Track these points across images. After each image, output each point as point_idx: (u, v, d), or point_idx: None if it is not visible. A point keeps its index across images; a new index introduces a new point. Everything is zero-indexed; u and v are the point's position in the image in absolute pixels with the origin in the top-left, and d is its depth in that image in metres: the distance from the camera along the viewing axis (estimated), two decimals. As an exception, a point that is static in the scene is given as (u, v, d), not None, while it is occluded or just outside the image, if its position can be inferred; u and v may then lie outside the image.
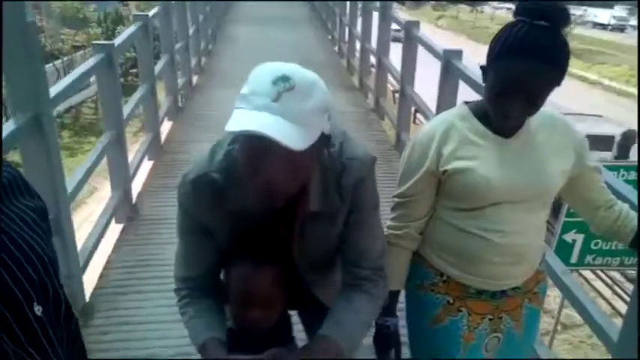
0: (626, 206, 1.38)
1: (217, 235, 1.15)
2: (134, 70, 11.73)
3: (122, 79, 12.26)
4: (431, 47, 3.74)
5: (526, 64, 1.10)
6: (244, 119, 0.89)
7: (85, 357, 0.85)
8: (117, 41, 3.45)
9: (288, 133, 0.88)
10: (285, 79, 0.91)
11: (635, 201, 1.53)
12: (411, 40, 4.28)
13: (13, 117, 2.10)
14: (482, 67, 1.21)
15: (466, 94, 2.17)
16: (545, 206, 1.31)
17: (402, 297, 1.47)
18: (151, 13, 4.57)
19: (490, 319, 1.38)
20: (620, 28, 31.16)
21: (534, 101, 1.14)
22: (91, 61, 2.98)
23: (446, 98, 3.31)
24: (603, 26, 32.51)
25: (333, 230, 1.15)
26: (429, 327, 1.40)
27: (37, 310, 0.70)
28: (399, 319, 1.43)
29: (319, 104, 0.94)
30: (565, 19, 1.11)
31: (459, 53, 3.29)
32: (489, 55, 1.18)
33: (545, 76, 1.12)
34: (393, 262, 1.34)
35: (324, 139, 0.99)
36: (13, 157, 4.51)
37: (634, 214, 1.37)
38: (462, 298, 1.36)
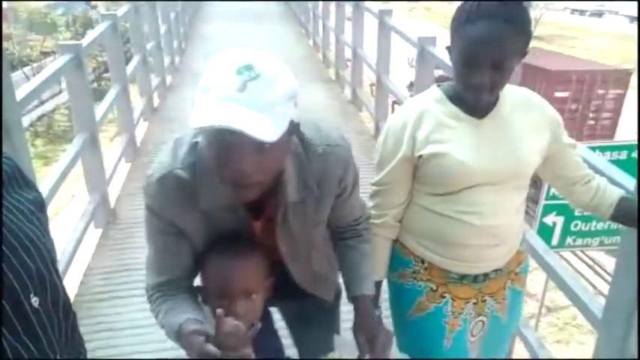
0: (603, 180, 1.38)
1: (191, 235, 1.11)
2: (107, 75, 11.51)
3: (95, 84, 12.06)
4: (405, 35, 3.73)
5: (486, 26, 1.09)
6: (210, 112, 0.86)
7: (83, 349, 0.86)
8: (85, 41, 3.36)
9: (257, 125, 0.85)
10: (249, 67, 0.88)
11: (630, 187, 1.49)
12: (385, 28, 4.26)
13: None
14: (447, 48, 1.21)
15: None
16: (522, 186, 1.30)
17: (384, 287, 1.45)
18: (119, 12, 4.46)
19: (474, 304, 1.37)
20: (599, 14, 31.46)
21: (500, 67, 1.11)
22: (58, 62, 2.89)
23: (422, 84, 3.31)
24: (581, 12, 32.83)
25: (319, 215, 1.16)
26: (413, 315, 1.38)
27: (34, 301, 0.70)
28: (382, 310, 1.40)
29: (286, 91, 0.91)
30: None
31: (432, 40, 3.30)
32: (451, 32, 1.18)
33: (507, 38, 1.10)
34: (375, 251, 1.33)
35: (293, 127, 0.97)
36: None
37: (612, 188, 1.37)
38: (444, 284, 1.34)
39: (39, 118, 16.01)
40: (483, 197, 1.25)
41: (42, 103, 17.47)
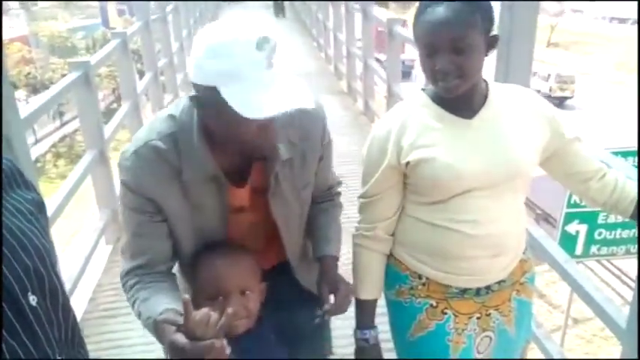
0: (621, 174, 1.29)
1: (169, 211, 1.08)
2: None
3: (115, 104, 12.18)
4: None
5: (439, 9, 1.07)
6: (258, 101, 0.91)
7: (83, 350, 0.85)
8: (93, 59, 3.39)
9: (302, 97, 0.95)
10: (265, 40, 0.91)
11: None
12: (394, 38, 4.23)
13: None
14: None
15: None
16: (518, 189, 1.23)
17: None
18: (129, 30, 4.51)
19: (478, 318, 1.29)
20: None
21: (461, 47, 1.07)
22: (67, 79, 2.92)
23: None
24: (621, 20, 31.51)
25: (306, 175, 1.19)
26: (414, 335, 1.30)
27: (32, 299, 0.70)
28: (378, 330, 1.34)
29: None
30: None
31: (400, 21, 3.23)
32: (413, 32, 1.15)
33: (461, 17, 1.06)
34: (367, 267, 1.30)
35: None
36: None
37: (632, 183, 1.27)
38: (444, 300, 1.27)
39: (61, 139, 16.36)
40: (476, 203, 1.17)
41: (63, 124, 17.87)
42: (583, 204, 4.89)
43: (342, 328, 1.37)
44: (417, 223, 1.24)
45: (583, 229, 4.97)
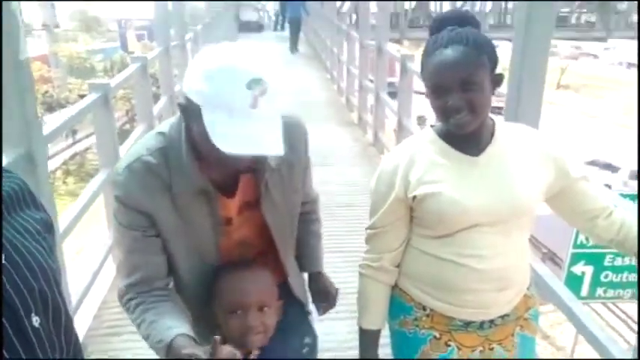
0: (628, 213, 1.32)
1: (161, 225, 1.10)
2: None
3: (128, 125, 12.39)
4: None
5: (447, 51, 1.13)
6: (233, 137, 0.94)
7: None
8: (113, 81, 3.50)
9: (273, 144, 0.96)
10: (257, 81, 0.93)
11: None
12: (406, 72, 4.33)
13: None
14: (426, 94, 1.21)
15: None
16: (524, 225, 1.26)
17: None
18: (150, 55, 4.66)
19: (481, 351, 1.30)
20: None
21: (469, 85, 1.12)
22: (87, 100, 3.01)
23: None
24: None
25: (293, 182, 1.24)
26: None
27: (35, 320, 0.70)
28: None
29: (283, 97, 0.99)
30: (472, 21, 1.18)
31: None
32: (421, 72, 1.22)
33: (468, 56, 1.13)
34: (372, 298, 1.32)
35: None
36: None
37: (634, 220, 1.30)
38: (448, 332, 1.28)
39: (72, 157, 16.55)
40: (482, 239, 1.20)
41: (75, 142, 18.12)
42: (590, 244, 4.86)
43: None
44: (423, 256, 1.26)
45: (589, 270, 4.92)
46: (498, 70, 1.19)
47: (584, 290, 4.84)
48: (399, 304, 1.33)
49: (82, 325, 2.68)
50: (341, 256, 2.89)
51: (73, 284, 2.64)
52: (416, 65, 4.36)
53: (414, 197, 1.21)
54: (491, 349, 1.30)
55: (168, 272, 1.17)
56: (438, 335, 1.29)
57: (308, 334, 1.38)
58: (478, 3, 16.37)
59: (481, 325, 1.28)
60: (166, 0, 5.47)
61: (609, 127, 22.65)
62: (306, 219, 1.42)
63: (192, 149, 1.07)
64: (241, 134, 0.93)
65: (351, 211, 3.94)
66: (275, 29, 18.56)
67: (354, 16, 14.53)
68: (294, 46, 12.51)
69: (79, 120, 2.95)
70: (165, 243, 1.13)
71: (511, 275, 1.24)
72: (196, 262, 1.19)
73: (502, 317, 1.28)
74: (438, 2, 17.31)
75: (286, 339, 1.28)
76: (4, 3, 1.90)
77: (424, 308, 1.29)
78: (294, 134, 1.18)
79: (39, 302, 0.70)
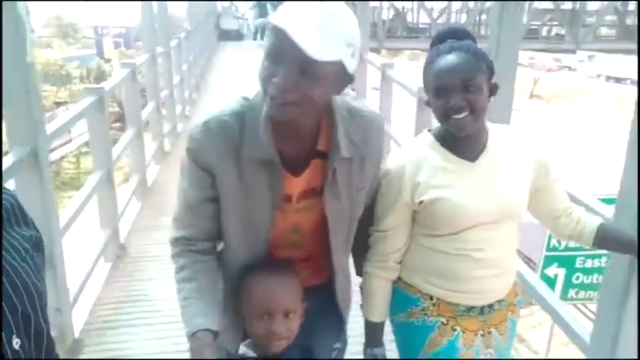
0: (582, 209, 1.47)
1: (223, 188, 1.13)
2: (115, 125, 11.87)
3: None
4: (405, 85, 3.97)
5: (449, 56, 1.24)
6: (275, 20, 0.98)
7: None
8: (107, 85, 3.60)
9: (309, 41, 0.94)
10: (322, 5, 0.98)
11: None
12: (386, 80, 4.53)
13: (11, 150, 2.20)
14: (426, 102, 1.32)
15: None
16: (515, 219, 1.38)
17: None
18: (138, 61, 4.76)
19: (482, 335, 1.41)
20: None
21: (470, 86, 1.21)
22: (83, 103, 3.12)
23: (421, 129, 3.50)
24: (617, 79, 30.59)
25: (362, 179, 1.20)
26: (427, 352, 1.41)
27: (15, 343, 0.67)
28: (385, 348, 1.46)
29: (343, 30, 0.99)
30: (470, 36, 1.29)
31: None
32: (423, 76, 1.30)
33: (468, 61, 1.23)
34: (379, 293, 1.41)
35: (346, 76, 1.04)
36: None
37: (590, 216, 1.47)
38: (453, 318, 1.39)
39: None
40: (483, 234, 1.31)
41: (51, 150, 17.82)
42: (562, 247, 5.07)
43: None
44: (429, 251, 1.36)
45: (561, 272, 5.11)
46: None
47: (557, 292, 5.01)
48: (404, 297, 1.42)
49: (78, 320, 2.76)
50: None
51: (68, 283, 2.73)
52: (395, 72, 4.57)
53: (421, 202, 1.30)
54: (489, 332, 1.42)
55: (216, 237, 1.21)
56: (444, 321, 1.39)
57: (339, 339, 1.40)
58: (454, 15, 16.80)
59: (481, 310, 1.39)
60: (152, 0, 5.53)
61: (579, 136, 23.36)
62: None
63: (269, 118, 1.08)
64: (283, 21, 0.96)
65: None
66: (255, 38, 18.70)
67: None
68: None
69: (77, 121, 3.04)
70: (222, 209, 1.16)
71: (506, 262, 1.37)
72: (248, 237, 1.19)
73: (499, 302, 1.41)
74: (415, 14, 17.71)
75: (317, 341, 1.31)
76: (10, 6, 2.00)
77: (431, 298, 1.38)
78: (368, 127, 1.18)
79: (21, 324, 0.68)
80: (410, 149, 1.35)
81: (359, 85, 5.81)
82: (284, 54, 0.97)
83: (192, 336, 1.09)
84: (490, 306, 1.40)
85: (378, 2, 15.38)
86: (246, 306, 1.16)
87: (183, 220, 1.19)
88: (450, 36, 1.28)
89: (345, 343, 1.44)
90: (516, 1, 2.36)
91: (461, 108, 1.22)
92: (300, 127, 1.10)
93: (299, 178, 1.15)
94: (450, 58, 1.24)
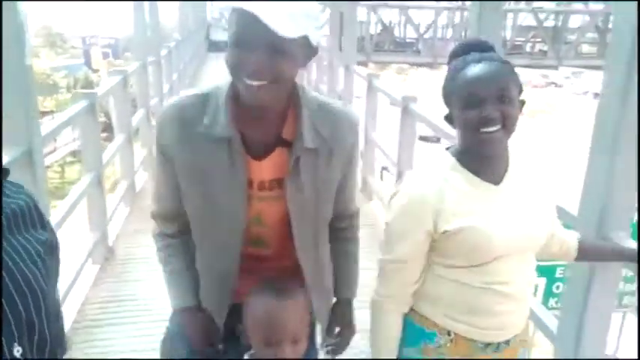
0: (558, 223, 1.43)
1: (182, 170, 1.14)
2: (103, 135, 11.88)
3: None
4: (390, 95, 4.11)
5: (483, 65, 1.15)
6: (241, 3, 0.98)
7: None
8: (99, 90, 3.69)
9: (278, 20, 0.96)
10: None
11: None
12: (372, 89, 4.67)
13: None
14: (445, 117, 1.24)
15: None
16: (536, 249, 1.30)
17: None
18: (130, 68, 4.85)
19: None
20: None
21: (505, 98, 1.13)
22: (75, 107, 3.19)
23: (406, 137, 3.65)
24: (596, 95, 31.38)
25: (329, 173, 1.18)
26: None
27: (17, 351, 0.66)
28: None
29: (307, 5, 1.02)
30: (493, 49, 1.21)
31: (414, 98, 3.66)
32: (447, 89, 1.21)
33: (504, 72, 1.15)
34: (392, 330, 1.29)
35: (312, 49, 1.07)
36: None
37: (568, 233, 1.44)
38: (470, 356, 1.28)
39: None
40: (510, 266, 1.22)
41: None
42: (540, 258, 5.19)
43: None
44: (449, 283, 1.24)
45: (542, 282, 5.25)
46: None
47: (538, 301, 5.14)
48: (418, 331, 1.29)
49: (66, 318, 2.81)
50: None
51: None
52: (381, 82, 4.71)
53: (445, 231, 1.18)
54: None
55: (183, 217, 1.22)
56: None
57: (309, 354, 1.30)
58: (440, 29, 17.13)
59: (497, 347, 1.29)
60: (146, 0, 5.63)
61: (562, 150, 23.82)
62: (341, 236, 1.35)
63: (232, 98, 1.09)
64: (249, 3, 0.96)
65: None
66: (244, 50, 18.86)
67: (321, 39, 14.94)
68: None
69: (70, 124, 3.12)
70: (183, 196, 1.17)
71: (527, 296, 1.29)
72: (213, 225, 1.17)
73: (514, 337, 1.31)
74: (402, 28, 18.04)
75: None
76: (10, 6, 2.07)
77: (448, 333, 1.27)
78: (338, 122, 1.16)
79: (24, 331, 0.67)
80: (430, 172, 1.24)
81: (346, 94, 5.95)
82: (254, 37, 0.98)
83: (182, 310, 1.23)
84: (507, 342, 1.29)
85: (366, 16, 15.65)
86: (251, 332, 1.10)
87: (157, 193, 1.24)
88: (474, 48, 1.20)
89: (316, 354, 1.40)
90: (493, 8, 2.48)
91: (494, 120, 1.12)
92: (268, 112, 1.10)
93: (261, 163, 1.13)
94: (485, 67, 1.15)
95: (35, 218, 0.74)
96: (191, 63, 10.97)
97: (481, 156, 1.19)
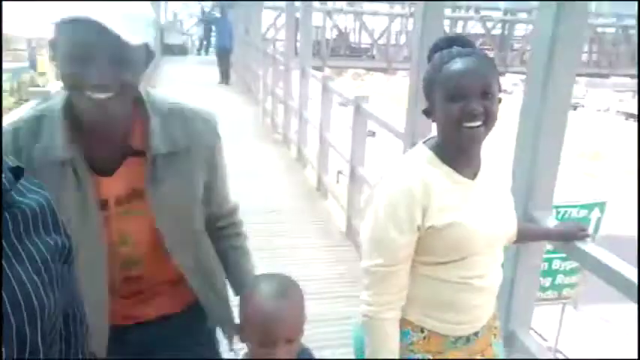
0: None
1: None
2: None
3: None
4: (343, 95, 4.28)
5: (467, 60, 1.15)
6: (72, 9, 0.91)
7: None
8: (53, 89, 3.66)
9: (121, 27, 0.91)
10: None
11: None
12: (327, 91, 4.83)
13: None
14: (424, 110, 1.22)
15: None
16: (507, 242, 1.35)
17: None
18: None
19: None
20: (574, 107, 29.64)
21: (488, 93, 1.13)
22: (28, 105, 3.17)
23: (358, 135, 3.86)
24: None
25: (193, 176, 1.13)
26: None
27: None
28: None
29: (144, 12, 0.99)
30: (469, 42, 1.21)
31: (366, 98, 3.85)
32: (429, 82, 1.19)
33: (487, 68, 1.15)
34: (392, 339, 1.25)
35: (150, 55, 1.03)
36: None
37: None
38: (441, 352, 1.29)
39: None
40: (485, 260, 1.24)
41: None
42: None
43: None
44: (429, 281, 1.23)
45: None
46: None
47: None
48: None
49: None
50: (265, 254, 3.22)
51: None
52: (334, 84, 4.88)
53: (430, 227, 1.17)
54: None
55: None
56: (431, 357, 1.28)
57: None
58: (394, 35, 17.57)
59: (467, 339, 1.30)
60: None
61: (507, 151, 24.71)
62: (225, 234, 1.29)
63: (69, 116, 1.01)
64: (82, 8, 0.91)
65: (278, 216, 4.31)
66: (199, 53, 18.74)
67: (277, 43, 15.09)
68: (225, 78, 11.66)
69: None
70: None
71: (497, 287, 1.31)
72: (77, 252, 0.96)
73: (482, 327, 1.32)
74: (357, 34, 18.41)
75: None
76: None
77: (422, 330, 1.27)
78: (194, 121, 1.12)
79: (13, 346, 0.62)
80: (410, 167, 1.22)
81: (302, 97, 6.08)
82: (94, 46, 0.92)
83: None
84: (475, 333, 1.31)
85: (322, 21, 15.89)
86: (246, 332, 1.09)
87: None
88: (456, 42, 1.19)
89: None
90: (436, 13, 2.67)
91: (478, 115, 1.12)
92: (112, 124, 1.03)
93: (112, 178, 1.06)
94: (471, 61, 1.14)
95: (48, 221, 0.70)
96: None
97: (460, 151, 1.19)
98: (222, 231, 1.29)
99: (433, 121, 1.21)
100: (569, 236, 1.61)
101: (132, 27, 0.93)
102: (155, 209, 1.08)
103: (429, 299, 1.25)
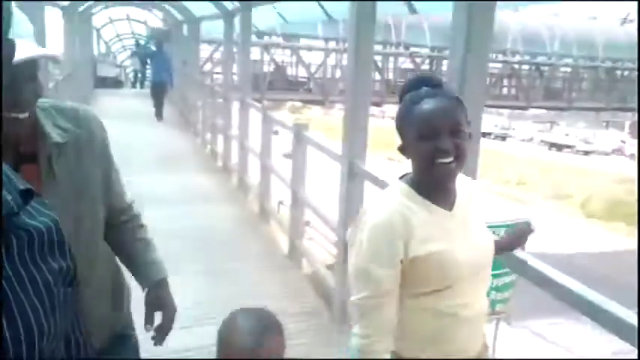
0: None
1: None
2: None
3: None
4: (283, 123, 4.44)
5: (436, 101, 1.21)
6: None
7: None
8: None
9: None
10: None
11: None
12: (267, 121, 4.99)
13: None
14: (399, 148, 1.28)
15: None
16: (487, 270, 1.35)
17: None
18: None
19: None
20: (502, 137, 30.10)
21: (458, 131, 1.19)
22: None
23: (298, 161, 4.04)
24: (484, 134, 32.45)
25: (88, 167, 1.17)
26: None
27: None
28: None
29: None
30: (439, 82, 1.27)
31: (305, 126, 4.03)
32: (401, 121, 1.26)
33: (455, 107, 1.22)
34: None
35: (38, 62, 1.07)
36: None
37: None
38: None
39: None
40: (469, 288, 1.26)
41: None
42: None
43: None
44: (417, 313, 1.26)
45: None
46: None
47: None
48: None
49: None
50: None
51: None
52: (274, 114, 5.03)
53: (414, 258, 1.20)
54: None
55: None
56: None
57: None
58: (330, 69, 18.13)
59: None
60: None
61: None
62: (127, 228, 1.34)
63: None
64: None
65: (220, 241, 4.35)
66: (134, 86, 18.41)
67: (214, 76, 15.16)
68: (159, 114, 11.12)
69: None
70: None
71: (483, 316, 1.33)
72: None
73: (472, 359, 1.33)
74: (294, 68, 18.84)
75: None
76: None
77: None
78: (77, 112, 1.19)
79: None
80: (389, 202, 1.25)
81: (242, 127, 6.19)
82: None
83: None
84: None
85: (259, 55, 16.18)
86: (231, 352, 1.08)
87: None
88: (426, 83, 1.25)
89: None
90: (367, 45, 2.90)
91: (449, 151, 1.17)
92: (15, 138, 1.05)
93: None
94: (439, 102, 1.20)
95: (55, 244, 0.68)
96: (80, 97, 10.56)
97: (435, 185, 1.24)
98: (128, 224, 1.35)
99: (407, 157, 1.27)
100: (522, 235, 1.58)
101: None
102: (49, 192, 1.08)
103: (417, 332, 1.27)
